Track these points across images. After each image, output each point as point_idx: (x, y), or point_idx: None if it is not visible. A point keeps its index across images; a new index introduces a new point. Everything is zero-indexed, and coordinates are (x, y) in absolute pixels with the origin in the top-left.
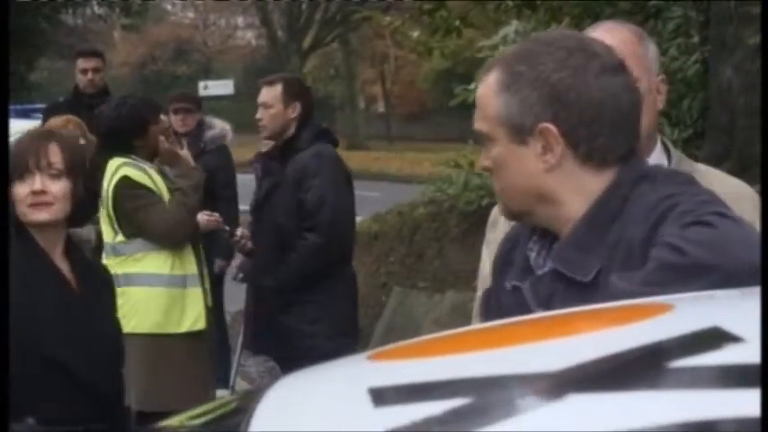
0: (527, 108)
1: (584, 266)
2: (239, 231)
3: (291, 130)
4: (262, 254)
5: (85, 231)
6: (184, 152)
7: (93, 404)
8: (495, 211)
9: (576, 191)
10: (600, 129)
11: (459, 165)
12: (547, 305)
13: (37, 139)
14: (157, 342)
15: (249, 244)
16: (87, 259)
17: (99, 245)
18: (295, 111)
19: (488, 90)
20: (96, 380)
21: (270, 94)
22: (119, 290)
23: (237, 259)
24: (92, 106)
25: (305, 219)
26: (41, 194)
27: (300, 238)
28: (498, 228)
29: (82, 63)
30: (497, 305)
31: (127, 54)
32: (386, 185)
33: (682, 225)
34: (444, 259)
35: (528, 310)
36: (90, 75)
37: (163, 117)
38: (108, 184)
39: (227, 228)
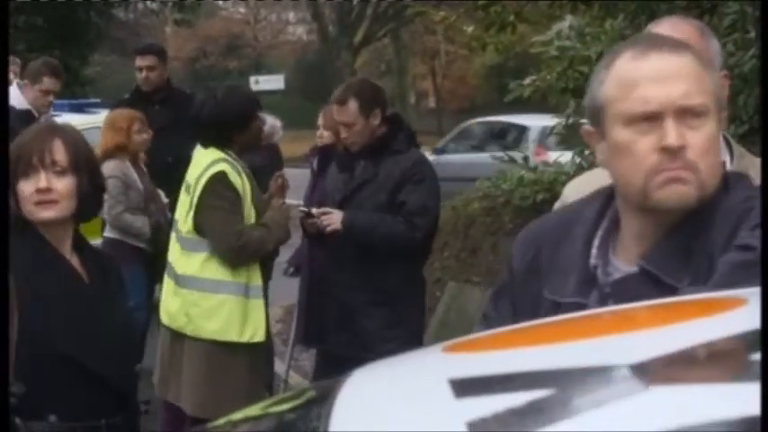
0: (720, 87)
1: (679, 271)
2: (314, 210)
3: (379, 132)
4: (340, 249)
5: (139, 222)
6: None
7: (111, 398)
8: (558, 205)
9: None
10: None
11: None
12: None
13: (40, 136)
14: (217, 350)
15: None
16: (97, 253)
17: (154, 236)
18: (377, 117)
19: (695, 64)
20: (113, 374)
21: (347, 113)
22: (179, 290)
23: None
24: (153, 102)
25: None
26: (47, 192)
27: (407, 222)
28: None
29: (138, 61)
30: (527, 311)
31: (178, 49)
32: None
33: (752, 227)
34: (498, 254)
35: None
36: (145, 73)
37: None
38: (201, 173)
39: (306, 209)
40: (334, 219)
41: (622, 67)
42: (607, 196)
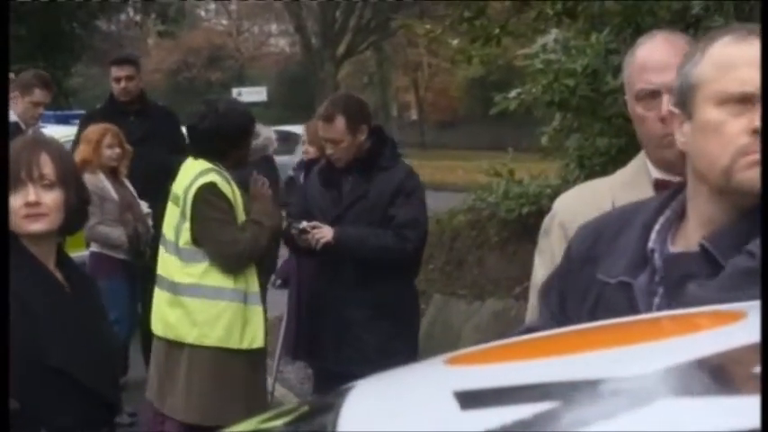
0: None
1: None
2: (303, 224)
3: (365, 147)
4: (335, 264)
5: (115, 233)
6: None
7: (100, 410)
8: (548, 219)
9: None
10: None
11: (499, 173)
12: (677, 286)
13: (28, 149)
14: (219, 357)
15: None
16: (77, 267)
17: (132, 247)
18: (364, 132)
19: (752, 56)
20: (100, 386)
21: (334, 130)
22: (179, 299)
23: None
24: (127, 113)
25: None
26: (35, 206)
27: (397, 235)
28: (551, 236)
29: (115, 71)
30: (577, 298)
31: (160, 61)
32: None
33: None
34: (484, 267)
35: (633, 305)
36: (123, 83)
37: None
38: (190, 183)
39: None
40: (325, 232)
41: (720, 50)
42: (672, 190)
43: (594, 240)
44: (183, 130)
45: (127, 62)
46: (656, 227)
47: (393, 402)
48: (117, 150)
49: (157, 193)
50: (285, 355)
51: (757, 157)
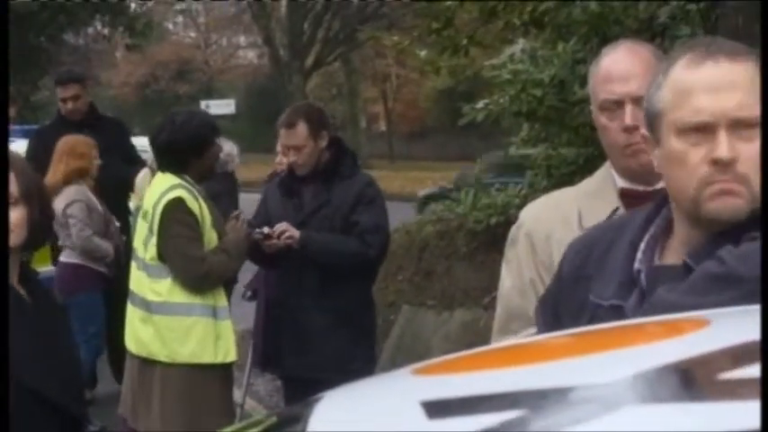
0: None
1: None
2: (266, 229)
3: (326, 156)
4: (298, 273)
5: (104, 245)
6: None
7: (66, 426)
8: (514, 229)
9: None
10: None
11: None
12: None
13: None
14: (191, 373)
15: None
16: (41, 283)
17: (115, 259)
18: (325, 139)
19: (751, 73)
20: (65, 400)
21: (297, 136)
22: (151, 317)
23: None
24: (79, 128)
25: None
26: None
27: (360, 240)
28: (518, 246)
29: (60, 92)
30: (573, 316)
31: (128, 74)
32: (388, 204)
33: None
34: (453, 277)
35: None
36: (70, 104)
37: None
38: (158, 199)
39: (263, 231)
40: (293, 232)
41: (678, 75)
42: (657, 203)
43: (584, 258)
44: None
45: (71, 81)
46: (642, 245)
47: (360, 413)
48: (97, 163)
49: (117, 206)
50: (254, 368)
51: (721, 186)
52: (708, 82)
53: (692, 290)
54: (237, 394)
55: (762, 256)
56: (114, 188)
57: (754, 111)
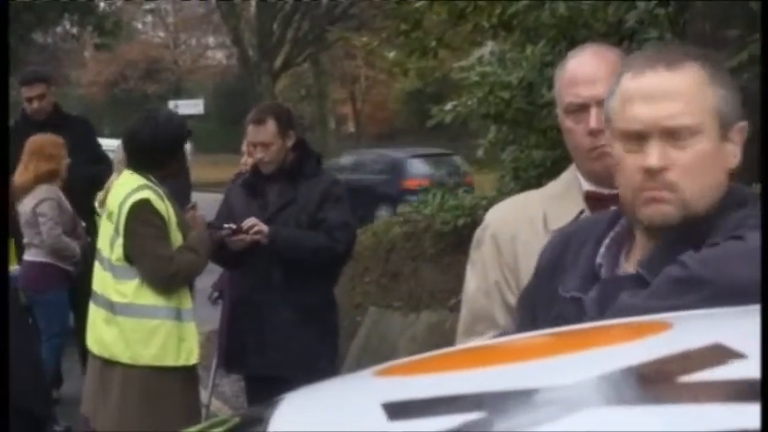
0: (735, 103)
1: None
2: (233, 225)
3: (290, 157)
4: (264, 271)
5: (73, 244)
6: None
7: (31, 427)
8: (479, 231)
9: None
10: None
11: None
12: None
13: None
14: (153, 375)
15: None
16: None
17: (82, 259)
18: (292, 138)
19: (693, 81)
20: (32, 404)
21: (265, 133)
22: (115, 318)
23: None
24: (44, 128)
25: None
26: None
27: (329, 236)
28: (483, 247)
29: (26, 91)
30: (545, 309)
31: (97, 73)
32: None
33: (708, 244)
34: (419, 279)
35: (583, 320)
36: (35, 104)
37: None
38: (123, 200)
39: (231, 225)
40: (262, 227)
41: (624, 84)
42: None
43: (561, 251)
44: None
45: (36, 81)
46: (606, 241)
47: (321, 414)
48: (66, 162)
49: (82, 205)
50: (220, 368)
51: (650, 194)
52: (645, 92)
53: (654, 294)
54: (203, 395)
55: (762, 256)
56: (80, 188)
57: (689, 119)
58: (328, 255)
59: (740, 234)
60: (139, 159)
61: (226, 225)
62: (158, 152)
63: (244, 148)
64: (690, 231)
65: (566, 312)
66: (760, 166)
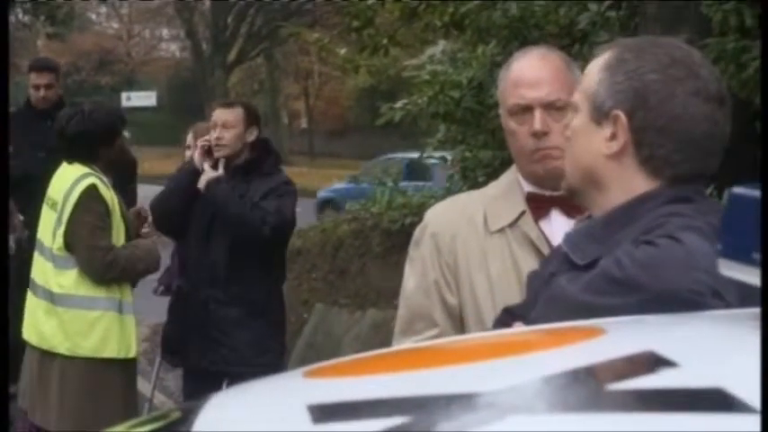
0: (613, 92)
1: (584, 252)
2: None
3: (246, 154)
4: (210, 266)
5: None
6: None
7: None
8: (419, 230)
9: (623, 187)
10: (666, 141)
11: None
12: (548, 282)
13: None
14: (92, 367)
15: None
16: None
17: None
18: (253, 134)
19: (595, 65)
20: None
21: (231, 114)
22: (55, 309)
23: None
24: (44, 119)
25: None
26: None
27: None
28: (422, 246)
29: (35, 78)
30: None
31: None
32: (308, 201)
33: (636, 242)
34: (367, 277)
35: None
36: (43, 92)
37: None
38: (69, 188)
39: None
40: (212, 174)
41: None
42: None
43: None
44: None
45: (47, 69)
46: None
47: (247, 414)
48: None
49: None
50: (164, 362)
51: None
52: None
53: (589, 288)
54: (147, 388)
55: (762, 255)
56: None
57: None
58: (252, 231)
59: (677, 236)
60: (74, 151)
61: (205, 139)
62: (90, 142)
63: (189, 140)
64: (612, 213)
65: (531, 283)
66: (761, 166)
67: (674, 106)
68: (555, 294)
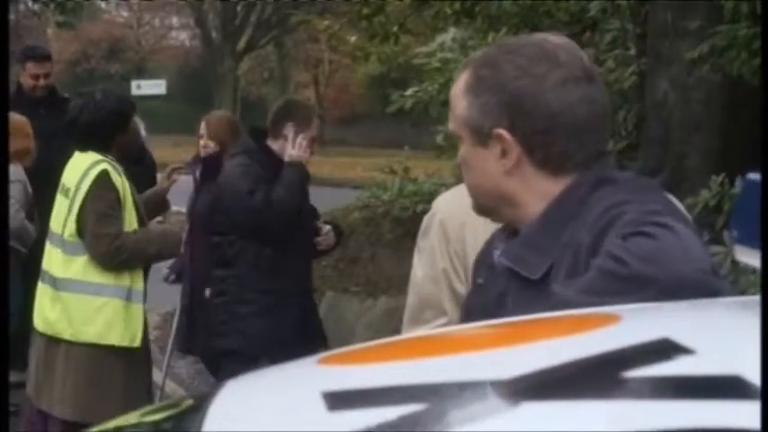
0: (486, 112)
1: (533, 264)
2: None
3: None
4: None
5: (30, 227)
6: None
7: None
8: (427, 218)
9: (534, 194)
10: (555, 137)
11: (394, 171)
12: (499, 303)
13: None
14: (96, 353)
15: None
16: None
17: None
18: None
19: (457, 90)
20: None
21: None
22: (59, 294)
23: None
24: (37, 106)
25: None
26: None
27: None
28: (431, 234)
29: (34, 68)
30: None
31: (59, 52)
32: (318, 189)
33: (624, 235)
34: (377, 264)
35: (490, 308)
36: (42, 81)
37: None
38: (82, 176)
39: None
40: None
41: None
42: None
43: (486, 249)
44: None
45: (45, 59)
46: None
47: (261, 402)
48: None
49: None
50: (177, 350)
51: None
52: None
53: (591, 289)
54: (158, 377)
55: (762, 254)
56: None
57: (452, 126)
58: (251, 213)
59: (664, 223)
60: (87, 140)
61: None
62: (104, 130)
63: (202, 130)
64: (545, 221)
65: (474, 300)
66: (761, 167)
67: (549, 103)
68: (556, 302)
